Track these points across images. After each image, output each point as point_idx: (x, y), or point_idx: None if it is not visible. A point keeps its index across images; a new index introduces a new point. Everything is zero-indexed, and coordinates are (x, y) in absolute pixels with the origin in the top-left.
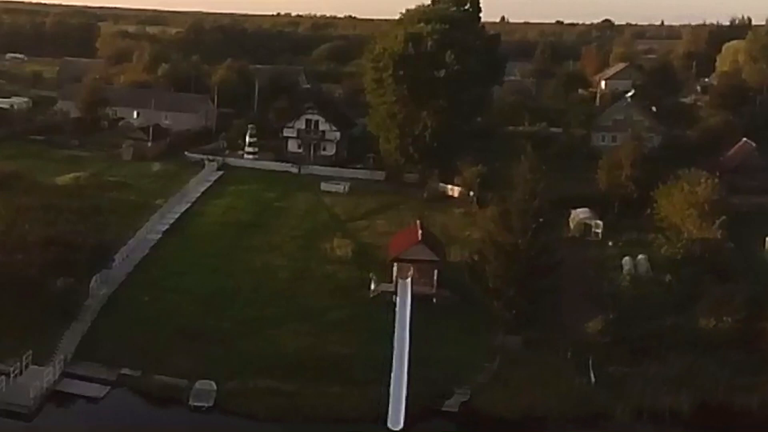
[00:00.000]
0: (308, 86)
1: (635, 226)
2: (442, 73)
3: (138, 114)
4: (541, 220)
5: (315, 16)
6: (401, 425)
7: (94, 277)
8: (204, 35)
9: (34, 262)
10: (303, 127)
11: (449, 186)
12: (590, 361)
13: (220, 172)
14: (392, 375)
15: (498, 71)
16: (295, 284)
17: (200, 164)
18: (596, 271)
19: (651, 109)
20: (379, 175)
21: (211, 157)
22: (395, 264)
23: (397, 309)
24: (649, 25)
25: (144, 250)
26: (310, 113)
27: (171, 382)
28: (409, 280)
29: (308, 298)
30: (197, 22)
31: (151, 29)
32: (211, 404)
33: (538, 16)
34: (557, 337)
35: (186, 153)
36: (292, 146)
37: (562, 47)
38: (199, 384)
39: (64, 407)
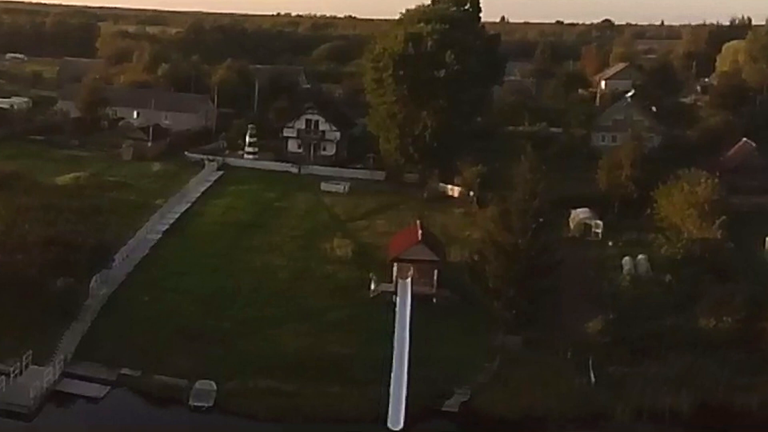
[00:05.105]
0: (308, 86)
1: (635, 226)
2: (442, 73)
3: (138, 114)
4: (541, 220)
5: (315, 16)
6: (401, 425)
7: (94, 277)
8: (204, 35)
9: (34, 262)
10: (303, 127)
11: (449, 186)
12: (590, 361)
13: (220, 172)
14: (392, 375)
15: (498, 71)
16: (295, 284)
17: (200, 164)
18: (596, 271)
19: (651, 109)
20: (379, 175)
21: (211, 157)
22: (395, 264)
23: (397, 309)
24: (649, 25)
25: (144, 250)
26: (310, 113)
27: (171, 382)
28: (409, 280)
29: (308, 298)
30: (197, 22)
31: (151, 29)
32: (211, 404)
33: (538, 16)
34: (557, 337)
35: (186, 153)
36: (292, 146)
37: (562, 47)
38: (199, 384)
39: (64, 407)
